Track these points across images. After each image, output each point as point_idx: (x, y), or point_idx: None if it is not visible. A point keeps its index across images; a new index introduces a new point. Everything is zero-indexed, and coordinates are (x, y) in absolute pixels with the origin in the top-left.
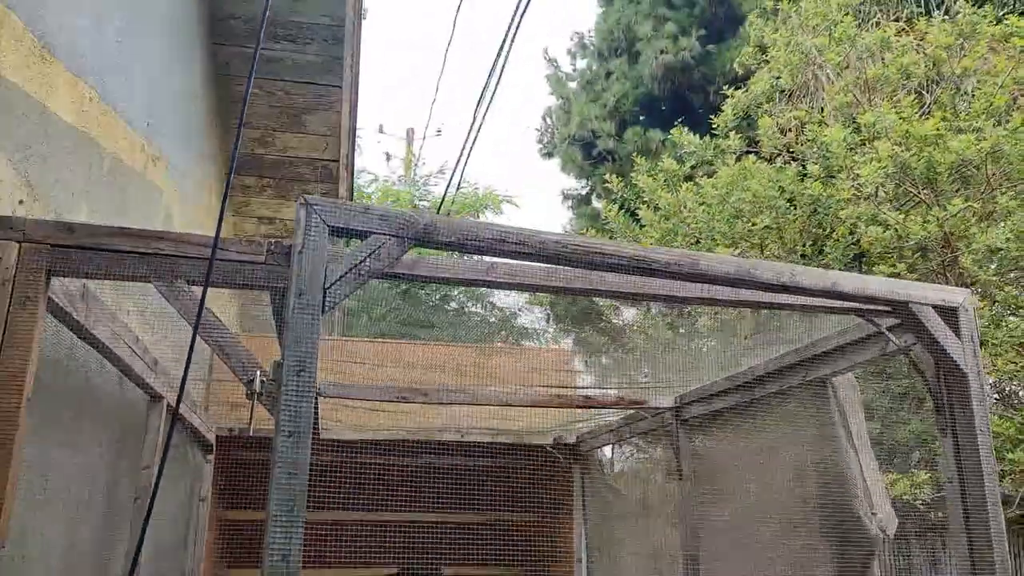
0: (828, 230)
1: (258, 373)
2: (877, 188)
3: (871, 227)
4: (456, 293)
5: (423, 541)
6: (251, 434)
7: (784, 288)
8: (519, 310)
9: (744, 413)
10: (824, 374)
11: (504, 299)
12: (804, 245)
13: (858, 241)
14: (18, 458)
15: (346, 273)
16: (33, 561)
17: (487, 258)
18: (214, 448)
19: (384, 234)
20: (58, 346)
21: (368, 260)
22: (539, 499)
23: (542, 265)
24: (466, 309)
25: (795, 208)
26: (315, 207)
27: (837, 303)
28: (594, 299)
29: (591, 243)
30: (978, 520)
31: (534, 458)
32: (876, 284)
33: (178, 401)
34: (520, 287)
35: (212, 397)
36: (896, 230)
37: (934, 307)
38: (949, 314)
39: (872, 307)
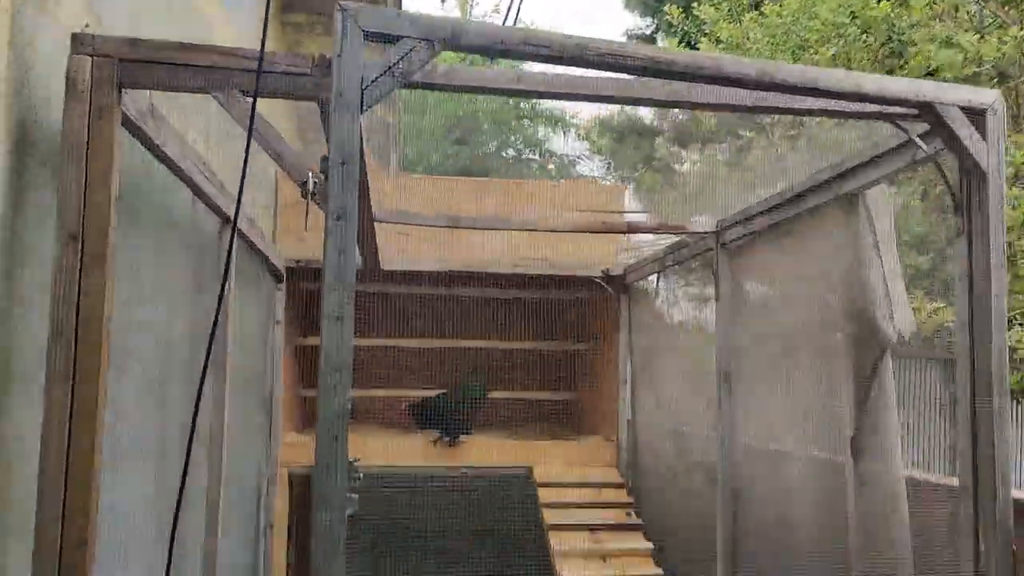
0: (902, 60)
1: (310, 175)
2: (957, 7)
3: (942, 50)
4: (513, 139)
5: (474, 366)
6: (306, 230)
7: (807, 90)
8: (578, 157)
9: (780, 232)
10: (856, 187)
11: (563, 147)
12: None
13: (933, 71)
14: (113, 253)
15: (381, 75)
16: (125, 371)
17: (524, 66)
18: (284, 278)
19: (414, 38)
20: (134, 165)
21: (400, 63)
22: (587, 327)
23: (576, 73)
24: (523, 156)
25: (866, 36)
26: (349, 12)
27: (864, 107)
28: (655, 146)
29: (611, 45)
30: (982, 310)
31: (583, 289)
32: (901, 84)
33: (239, 201)
34: (547, 95)
35: (280, 228)
36: (969, 53)
37: (961, 108)
38: (976, 115)
39: (899, 110)
